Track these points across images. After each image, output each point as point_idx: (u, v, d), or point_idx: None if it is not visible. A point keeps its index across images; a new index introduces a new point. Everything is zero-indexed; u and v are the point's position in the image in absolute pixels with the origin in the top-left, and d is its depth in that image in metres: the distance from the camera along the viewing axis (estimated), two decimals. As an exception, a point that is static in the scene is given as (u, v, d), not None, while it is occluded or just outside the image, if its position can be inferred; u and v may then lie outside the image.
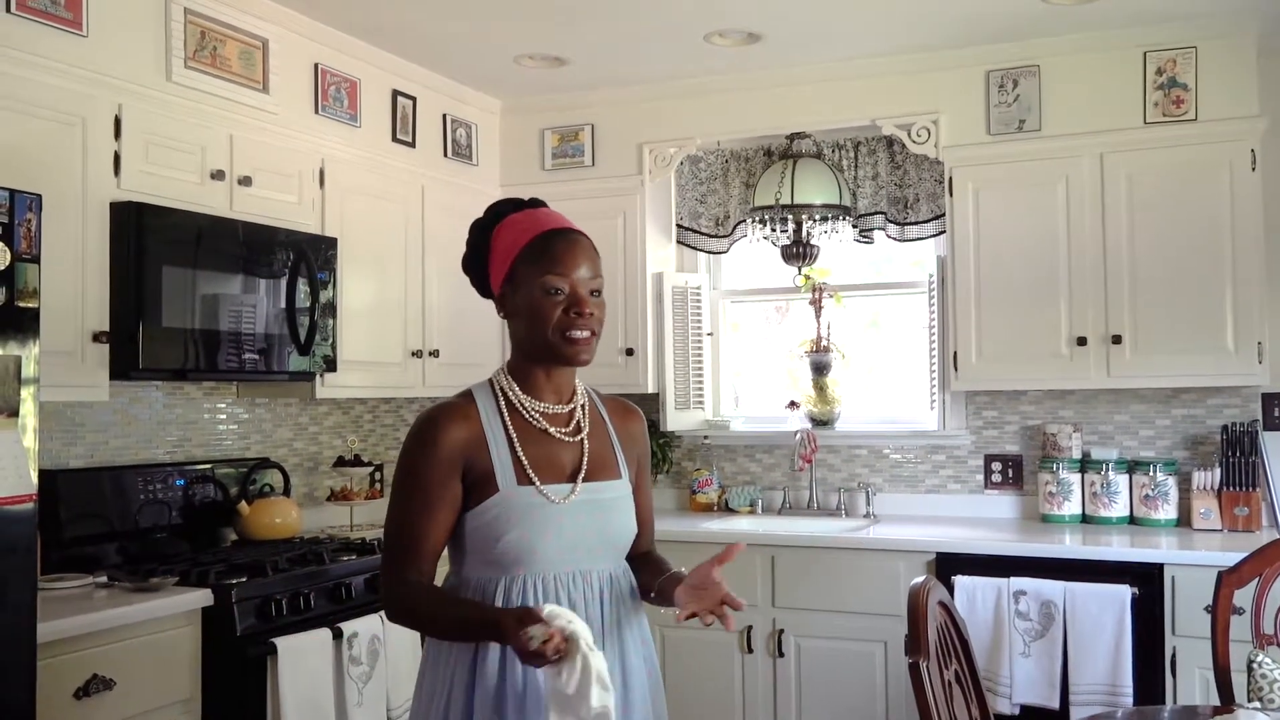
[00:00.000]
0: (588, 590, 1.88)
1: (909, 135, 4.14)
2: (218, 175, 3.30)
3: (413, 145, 4.22)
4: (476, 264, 1.96)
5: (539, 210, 1.97)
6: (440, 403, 1.91)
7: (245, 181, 3.39)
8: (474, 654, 1.81)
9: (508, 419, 1.89)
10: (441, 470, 1.83)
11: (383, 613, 3.24)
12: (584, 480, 1.90)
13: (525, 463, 1.86)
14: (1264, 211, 3.75)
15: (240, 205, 3.37)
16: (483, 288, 1.98)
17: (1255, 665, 2.45)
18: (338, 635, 3.06)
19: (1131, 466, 4.00)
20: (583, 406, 1.97)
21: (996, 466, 4.30)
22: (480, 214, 1.98)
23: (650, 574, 1.98)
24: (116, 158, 3.01)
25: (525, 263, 1.87)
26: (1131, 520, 3.98)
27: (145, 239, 2.99)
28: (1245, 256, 3.69)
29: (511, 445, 1.87)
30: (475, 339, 4.52)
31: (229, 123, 3.37)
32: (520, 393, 1.92)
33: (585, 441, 1.93)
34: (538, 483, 1.85)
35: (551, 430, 1.91)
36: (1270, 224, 3.83)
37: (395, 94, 4.14)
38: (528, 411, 1.91)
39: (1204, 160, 3.73)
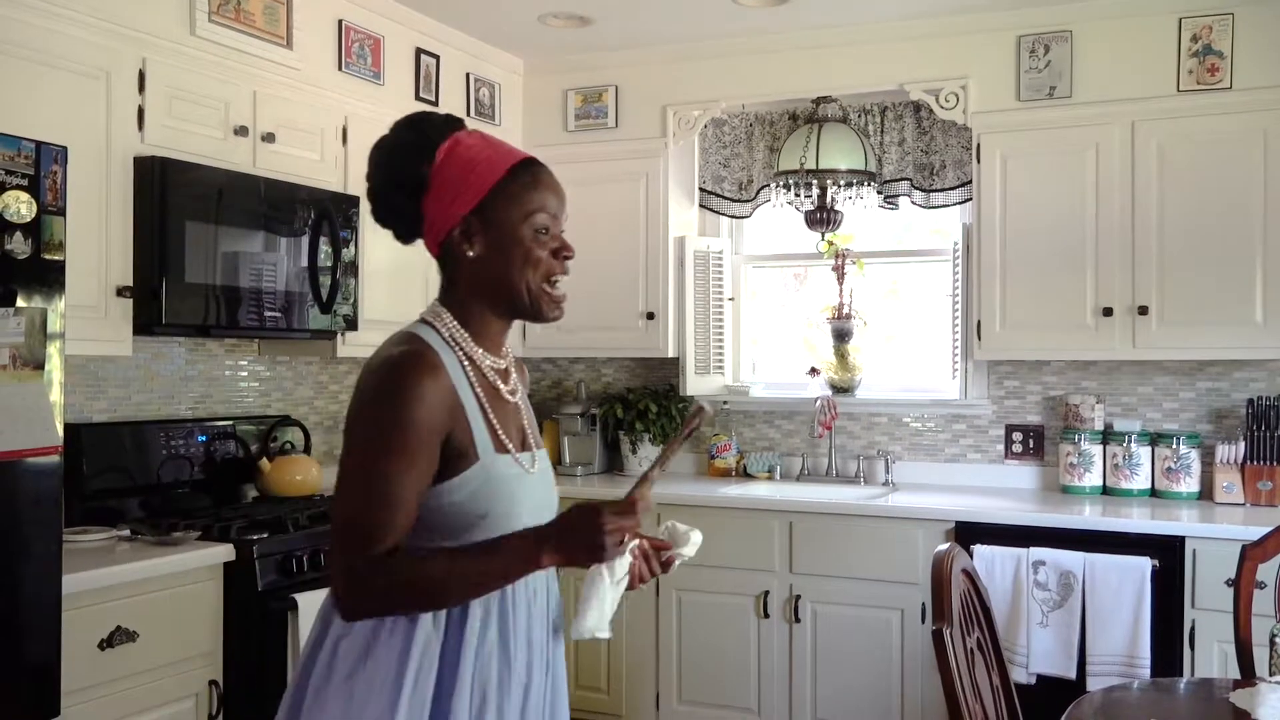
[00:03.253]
0: (535, 585, 1.68)
1: (937, 100, 4.09)
2: (241, 131, 3.29)
3: (436, 104, 4.19)
4: (402, 195, 1.64)
5: (487, 134, 1.69)
6: (405, 350, 1.57)
7: (268, 138, 3.38)
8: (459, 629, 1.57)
9: (470, 373, 1.63)
10: (426, 431, 1.53)
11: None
12: (536, 447, 1.73)
13: (497, 427, 1.63)
14: (1297, 183, 3.70)
15: (263, 162, 3.36)
16: (402, 221, 1.67)
17: (1277, 639, 2.44)
18: (357, 592, 3.07)
19: (1154, 439, 3.98)
20: (513, 365, 1.75)
21: (1017, 436, 4.28)
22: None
23: None
24: (140, 112, 3.00)
25: (505, 197, 1.61)
26: (1153, 493, 3.96)
27: (168, 194, 2.98)
28: (1277, 228, 3.63)
29: (482, 407, 1.62)
30: (496, 300, 4.51)
31: (252, 78, 3.36)
32: (473, 344, 1.65)
33: (521, 403, 1.73)
34: (513, 450, 1.64)
35: (503, 390, 1.68)
36: (1303, 196, 3.77)
37: (419, 52, 4.11)
38: (483, 368, 1.65)
39: (1238, 129, 3.67)
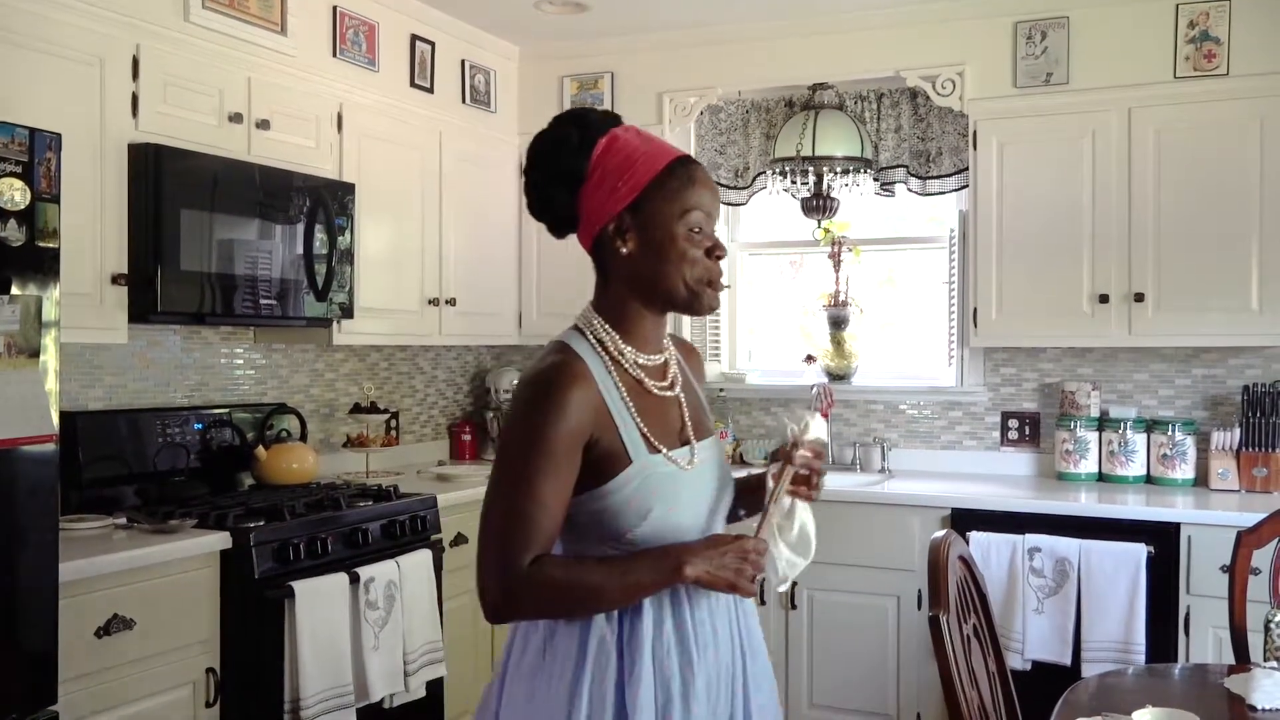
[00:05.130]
0: None
1: (934, 87, 4.08)
2: (235, 118, 3.27)
3: (431, 91, 4.17)
4: (562, 189, 1.67)
5: (642, 130, 1.72)
6: (552, 361, 1.61)
7: (263, 125, 3.36)
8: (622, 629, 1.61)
9: (616, 376, 1.64)
10: (569, 442, 1.56)
11: (398, 559, 3.26)
12: (695, 440, 1.70)
13: (645, 427, 1.63)
14: (1294, 169, 3.70)
15: (258, 149, 3.35)
16: (558, 215, 1.69)
17: (1272, 625, 2.44)
18: (354, 580, 3.07)
19: (1150, 426, 3.98)
20: (671, 354, 1.76)
21: (1013, 424, 4.29)
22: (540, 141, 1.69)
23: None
24: (134, 99, 2.98)
25: (660, 194, 1.63)
26: (1148, 480, 3.96)
27: (163, 181, 2.97)
28: (1273, 215, 3.63)
29: (628, 408, 1.63)
30: (492, 287, 4.51)
31: (247, 65, 3.34)
32: (622, 343, 1.67)
33: (681, 396, 1.72)
34: (664, 449, 1.64)
35: (651, 386, 1.68)
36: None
37: (414, 38, 4.09)
38: (631, 365, 1.67)
39: (1234, 116, 3.67)
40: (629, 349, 1.67)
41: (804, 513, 1.69)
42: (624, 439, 1.61)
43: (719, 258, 1.67)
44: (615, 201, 1.63)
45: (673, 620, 1.62)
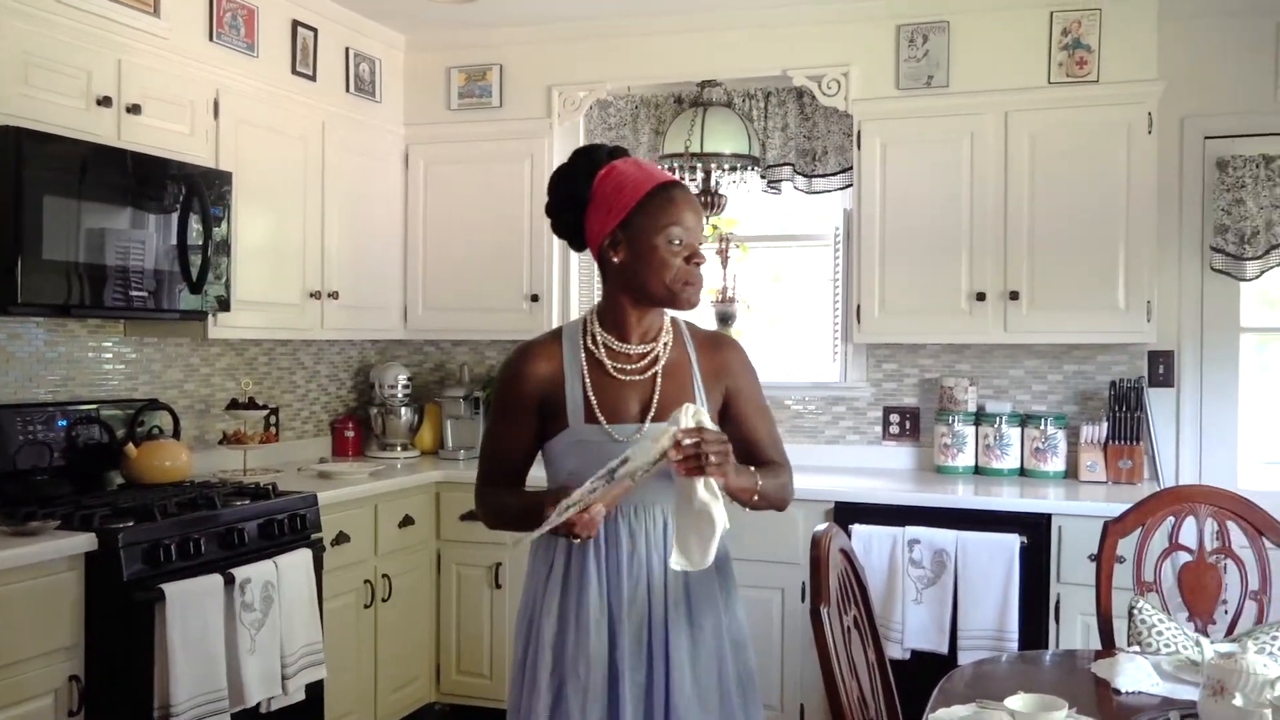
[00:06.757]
0: (649, 523, 2.02)
1: (819, 87, 4.14)
2: (104, 102, 3.13)
3: (313, 79, 4.07)
4: (572, 210, 2.05)
5: (641, 160, 2.09)
6: (531, 339, 2.10)
7: (134, 110, 3.23)
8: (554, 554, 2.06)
9: (584, 359, 2.04)
10: (520, 399, 2.04)
11: (276, 559, 3.19)
12: (652, 420, 2.01)
13: (594, 402, 2.01)
14: (1157, 174, 3.85)
15: (129, 134, 3.22)
16: (570, 233, 2.09)
17: (1136, 611, 2.54)
18: (229, 581, 2.98)
19: (1024, 420, 4.11)
20: (666, 345, 2.08)
21: (895, 418, 4.38)
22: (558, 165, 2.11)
23: None
24: (-8, 78, 2.83)
25: (646, 212, 1.98)
26: (1022, 472, 4.09)
27: (24, 166, 2.82)
28: (1139, 217, 3.78)
29: (584, 384, 2.02)
30: (376, 281, 4.42)
31: (117, 46, 3.20)
32: (602, 333, 2.06)
33: (659, 380, 2.04)
34: (603, 421, 2.00)
35: (618, 370, 2.04)
36: (1163, 186, 3.94)
37: (295, 24, 3.98)
38: (599, 349, 2.04)
39: (1104, 122, 3.81)
40: (604, 336, 2.05)
41: (703, 491, 1.86)
42: (568, 407, 2.02)
43: (697, 264, 2.01)
44: (609, 219, 2.00)
45: (564, 561, 2.05)
